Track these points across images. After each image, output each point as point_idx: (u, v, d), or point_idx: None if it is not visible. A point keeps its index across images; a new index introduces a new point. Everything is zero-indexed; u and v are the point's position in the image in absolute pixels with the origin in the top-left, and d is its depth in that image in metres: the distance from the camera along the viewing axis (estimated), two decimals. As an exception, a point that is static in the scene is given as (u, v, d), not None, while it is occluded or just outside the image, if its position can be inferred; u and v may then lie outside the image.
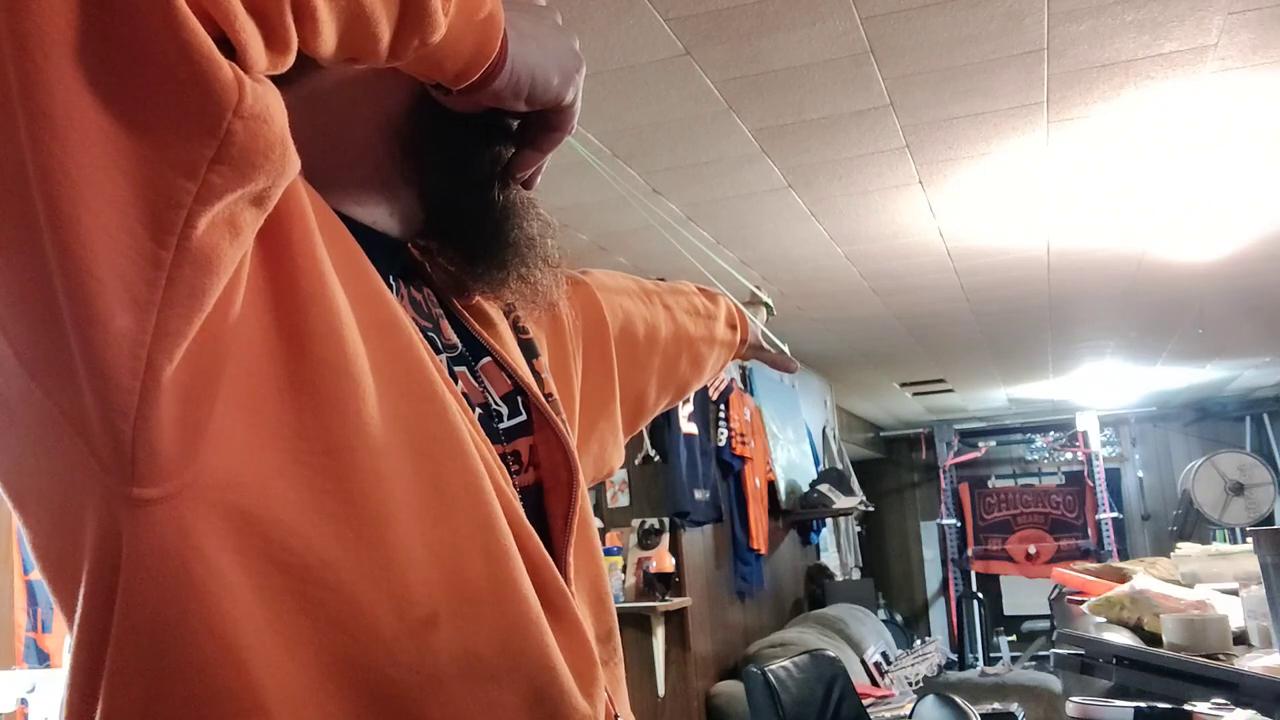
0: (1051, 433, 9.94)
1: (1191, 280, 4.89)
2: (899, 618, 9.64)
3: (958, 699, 3.34)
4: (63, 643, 3.22)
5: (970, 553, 9.63)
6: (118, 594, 0.59)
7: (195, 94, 0.47)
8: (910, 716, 3.58)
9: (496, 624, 0.67)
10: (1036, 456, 10.20)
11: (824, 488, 6.02)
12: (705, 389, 4.39)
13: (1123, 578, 2.78)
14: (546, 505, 0.81)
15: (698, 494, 4.56)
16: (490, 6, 0.64)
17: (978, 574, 9.69)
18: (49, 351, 0.52)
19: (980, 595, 9.54)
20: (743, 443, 5.11)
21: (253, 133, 0.50)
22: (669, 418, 4.40)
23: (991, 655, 9.10)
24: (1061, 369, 7.65)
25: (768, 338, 1.45)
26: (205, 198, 0.49)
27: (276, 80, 0.53)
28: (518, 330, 0.91)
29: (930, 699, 3.42)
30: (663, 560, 4.32)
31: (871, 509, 7.45)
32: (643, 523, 4.48)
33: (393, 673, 0.63)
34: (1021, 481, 10.15)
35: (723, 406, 4.95)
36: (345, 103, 0.74)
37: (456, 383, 0.77)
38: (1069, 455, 9.78)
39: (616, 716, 0.79)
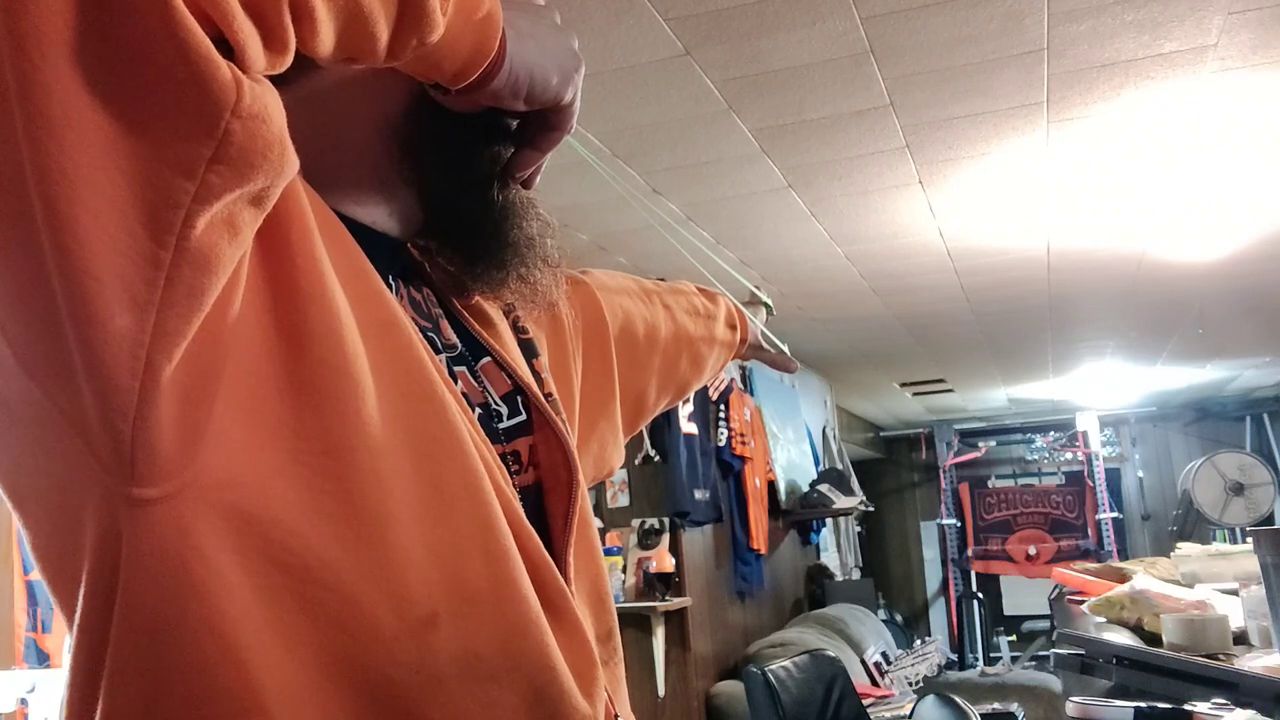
0: (1051, 433, 9.94)
1: (1191, 280, 4.89)
2: (899, 618, 9.64)
3: (958, 699, 3.34)
4: (63, 643, 3.22)
5: (970, 553, 9.62)
6: (117, 594, 0.59)
7: (193, 94, 0.47)
8: (910, 716, 3.58)
9: (496, 624, 0.67)
10: (1036, 456, 10.21)
11: (824, 488, 6.02)
12: (705, 389, 4.39)
13: (1123, 578, 2.78)
14: (546, 505, 0.81)
15: (698, 494, 4.56)
16: (488, 6, 0.64)
17: (978, 574, 9.69)
18: (48, 352, 0.52)
19: (980, 595, 9.54)
20: (743, 443, 5.11)
21: (251, 132, 0.49)
22: (669, 418, 4.40)
23: (991, 655, 9.10)
24: (1061, 369, 7.65)
25: (768, 338, 1.45)
26: (204, 197, 0.49)
27: (275, 80, 0.53)
28: (517, 330, 0.90)
29: (930, 699, 3.43)
30: (663, 560, 4.32)
31: (871, 509, 7.45)
32: (643, 523, 4.49)
33: (392, 673, 0.63)
34: (1021, 481, 10.15)
35: (723, 406, 4.95)
36: (344, 103, 0.74)
37: (456, 383, 0.77)
38: (1069, 455, 9.78)
39: (616, 716, 0.79)
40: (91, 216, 0.48)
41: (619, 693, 0.82)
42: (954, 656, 8.06)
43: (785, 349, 1.47)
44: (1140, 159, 3.28)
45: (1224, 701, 1.52)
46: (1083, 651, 1.91)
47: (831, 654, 4.23)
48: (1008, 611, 10.00)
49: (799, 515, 6.09)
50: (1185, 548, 3.03)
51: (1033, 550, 9.38)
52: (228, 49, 0.48)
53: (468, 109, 0.72)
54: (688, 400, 4.40)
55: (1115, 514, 9.44)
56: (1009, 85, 2.71)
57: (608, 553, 4.30)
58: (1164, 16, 2.39)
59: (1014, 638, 9.37)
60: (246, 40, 0.49)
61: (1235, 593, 2.34)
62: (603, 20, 2.26)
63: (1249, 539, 2.09)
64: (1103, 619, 2.47)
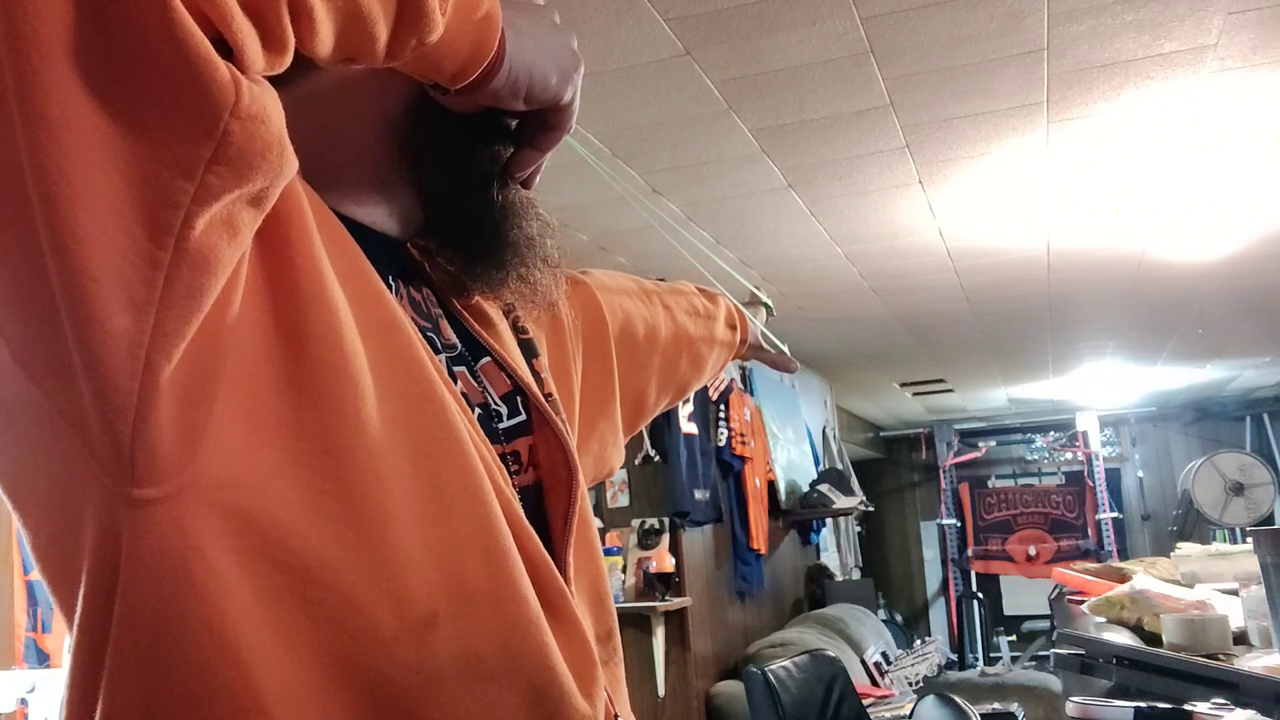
0: (1051, 433, 9.94)
1: (1191, 280, 4.89)
2: (899, 618, 9.64)
3: (958, 699, 3.34)
4: (63, 643, 3.22)
5: (970, 553, 9.62)
6: (117, 594, 0.59)
7: (192, 95, 0.47)
8: (910, 716, 3.58)
9: (496, 624, 0.67)
10: (1036, 456, 10.20)
11: (824, 488, 6.02)
12: (705, 389, 4.39)
13: (1123, 578, 2.78)
14: (546, 505, 0.81)
15: (698, 494, 4.56)
16: (487, 6, 0.64)
17: (978, 574, 9.69)
18: (47, 352, 0.52)
19: (980, 595, 9.54)
20: (743, 443, 5.11)
21: (250, 133, 0.49)
22: (669, 418, 4.40)
23: (991, 655, 9.10)
24: (1061, 369, 7.65)
25: (767, 338, 1.45)
26: (203, 198, 0.49)
27: (274, 81, 0.53)
28: (517, 330, 0.90)
29: (930, 699, 3.43)
30: (663, 560, 4.32)
31: (871, 509, 7.45)
32: (643, 523, 4.49)
33: (392, 673, 0.63)
34: (1021, 481, 10.15)
35: (723, 406, 4.95)
36: (343, 103, 0.74)
37: (456, 383, 0.77)
38: (1069, 455, 9.78)
39: (616, 716, 0.79)
40: (90, 217, 0.48)
41: (619, 693, 0.82)
42: (954, 656, 8.06)
43: (785, 349, 1.47)
44: (1140, 159, 3.28)
45: (1224, 701, 1.52)
46: (1083, 651, 1.91)
47: (831, 654, 4.23)
48: (1008, 611, 10.00)
49: (799, 515, 6.09)
50: (1185, 548, 3.03)
51: (1033, 550, 9.38)
52: (226, 50, 0.48)
53: (467, 109, 0.71)
54: (688, 400, 4.40)
55: (1115, 514, 9.44)
56: (1009, 85, 2.71)
57: (608, 553, 4.30)
58: (1164, 16, 2.39)
59: (1014, 638, 9.37)
60: (245, 41, 0.49)
61: (1235, 593, 2.34)
62: (603, 20, 2.26)
63: (1249, 539, 2.09)
64: (1103, 619, 2.47)
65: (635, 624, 4.31)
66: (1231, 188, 3.60)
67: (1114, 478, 10.02)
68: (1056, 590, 3.32)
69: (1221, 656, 1.98)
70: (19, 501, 0.63)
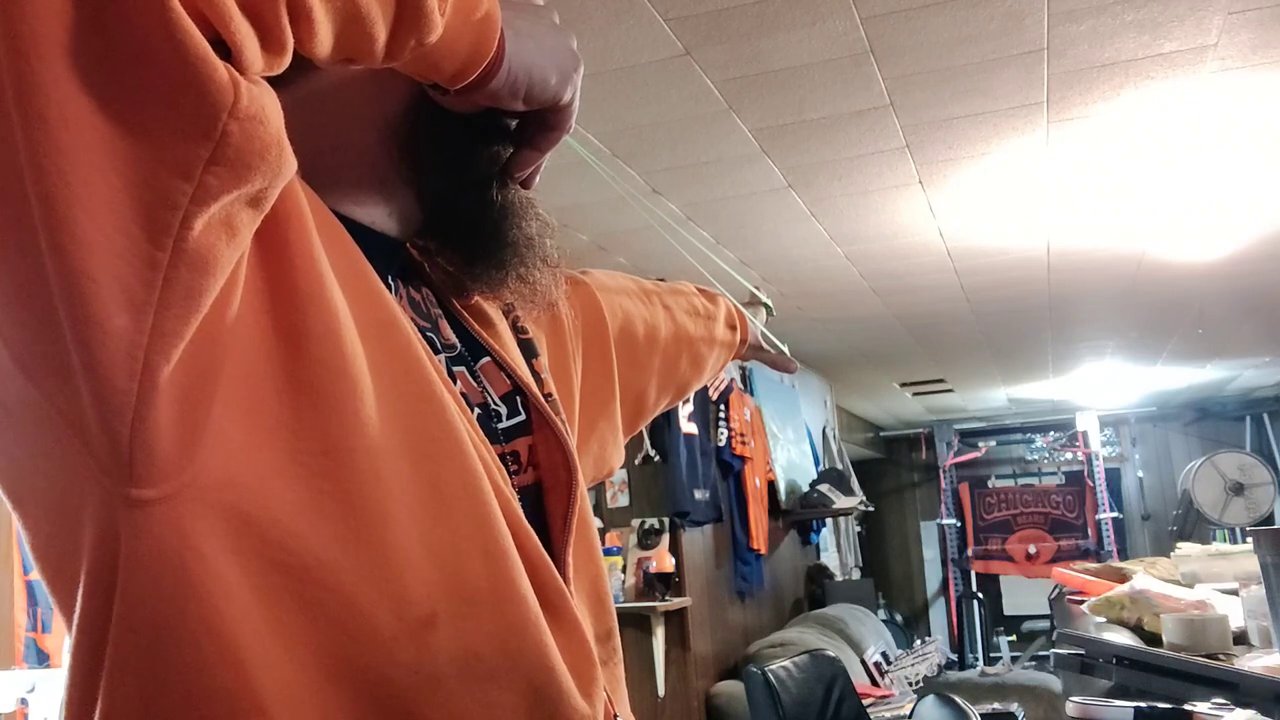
0: (1051, 433, 9.94)
1: (1191, 280, 4.89)
2: (899, 618, 9.64)
3: (958, 699, 3.34)
4: (63, 643, 3.22)
5: (970, 553, 9.63)
6: (116, 594, 0.59)
7: (190, 96, 0.47)
8: (910, 716, 3.58)
9: (495, 624, 0.67)
10: (1036, 456, 10.20)
11: (824, 488, 6.02)
12: (705, 389, 4.39)
13: (1123, 578, 2.78)
14: (546, 505, 0.81)
15: (698, 494, 4.56)
16: (487, 6, 0.63)
17: (978, 574, 9.69)
18: (46, 353, 0.52)
19: (980, 595, 9.54)
20: (743, 443, 5.11)
21: (248, 134, 0.49)
22: (669, 418, 4.40)
23: (991, 655, 9.10)
24: (1061, 369, 7.65)
25: (767, 338, 1.45)
26: (201, 199, 0.49)
27: (273, 82, 0.53)
28: (517, 330, 0.90)
29: (930, 699, 3.43)
30: (663, 560, 4.32)
31: (871, 509, 7.45)
32: (643, 523, 4.49)
33: (391, 673, 0.63)
34: (1021, 481, 10.15)
35: (723, 406, 4.95)
36: (342, 103, 0.74)
37: (455, 383, 0.77)
38: (1069, 455, 9.78)
39: (616, 716, 0.79)
40: (89, 218, 0.48)
41: (618, 693, 0.82)
42: (954, 656, 8.06)
43: (785, 349, 1.47)
44: (1140, 159, 3.28)
45: (1224, 701, 1.52)
46: (1083, 651, 1.91)
47: (831, 654, 4.23)
48: (1008, 611, 10.00)
49: (799, 515, 6.09)
50: (1185, 548, 3.03)
51: (1033, 550, 9.38)
52: (225, 50, 0.48)
53: (467, 109, 0.71)
54: (688, 400, 4.40)
55: (1115, 514, 9.44)
56: (1009, 85, 2.71)
57: (608, 553, 4.30)
58: (1164, 16, 2.39)
59: (1014, 638, 9.37)
60: (244, 41, 0.49)
61: (1235, 593, 2.34)
62: (603, 20, 2.26)
63: (1249, 539, 2.09)
64: (1103, 619, 2.47)
65: (635, 624, 4.31)
66: (1231, 188, 3.60)
67: (1114, 478, 10.02)
68: (1056, 590, 3.32)
69: (1221, 656, 1.98)
70: (18, 502, 0.63)
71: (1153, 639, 2.25)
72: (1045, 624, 8.38)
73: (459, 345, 0.82)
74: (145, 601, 0.58)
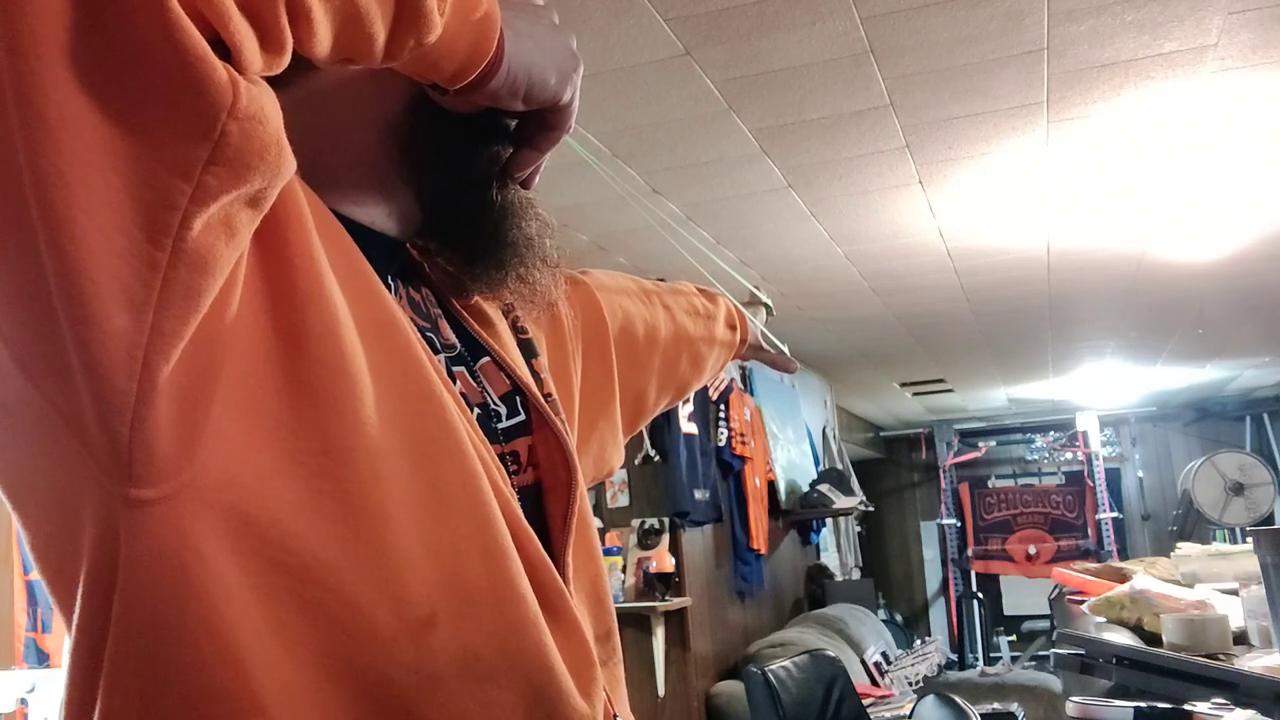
0: (1051, 433, 9.94)
1: (1191, 280, 4.89)
2: (899, 618, 9.64)
3: (958, 699, 3.34)
4: (62, 643, 3.22)
5: (970, 553, 9.62)
6: (116, 594, 0.59)
7: (189, 96, 0.47)
8: (910, 716, 3.58)
9: (495, 624, 0.67)
10: (1036, 456, 10.20)
11: (824, 488, 6.02)
12: (705, 389, 4.39)
13: (1123, 578, 2.78)
14: (545, 505, 0.81)
15: (698, 494, 4.56)
16: (486, 6, 0.63)
17: (978, 574, 9.69)
18: (45, 353, 0.52)
19: (980, 595, 9.54)
20: (743, 443, 5.11)
21: (247, 134, 0.49)
22: (669, 418, 4.40)
23: (991, 655, 9.10)
24: (1061, 369, 7.65)
25: (767, 338, 1.45)
26: (200, 199, 0.49)
27: (273, 82, 0.52)
28: (517, 330, 0.90)
29: (930, 699, 3.42)
30: (663, 560, 4.32)
31: (871, 509, 7.45)
32: (643, 523, 4.49)
33: (391, 673, 0.63)
34: (1021, 481, 10.15)
35: (723, 406, 4.95)
36: (342, 103, 0.74)
37: (455, 383, 0.77)
38: (1069, 455, 9.78)
39: (615, 716, 0.79)
40: (88, 218, 0.48)
41: (618, 693, 0.82)
42: (954, 656, 8.06)
43: (785, 349, 1.47)
44: (1140, 159, 3.28)
45: (1224, 701, 1.52)
46: (1083, 651, 1.91)
47: (831, 654, 4.23)
48: (1008, 611, 10.00)
49: (799, 515, 6.09)
50: (1185, 548, 3.03)
51: (1033, 550, 9.38)
52: (224, 50, 0.48)
53: (466, 109, 0.71)
54: (688, 400, 4.40)
55: (1115, 514, 9.44)
56: (1009, 85, 2.71)
57: (608, 553, 4.30)
58: (1164, 16, 2.39)
59: (1014, 638, 9.37)
60: (243, 41, 0.49)
61: (1235, 593, 2.34)
62: (603, 20, 2.26)
63: (1249, 539, 2.09)
64: (1103, 619, 2.47)
65: (635, 624, 4.31)
66: (1231, 188, 3.60)
67: (1114, 478, 10.02)
68: (1056, 590, 3.32)
69: (1221, 656, 1.98)
70: (18, 502, 0.63)
71: (1153, 639, 2.25)
72: (1045, 624, 8.38)
73: (458, 345, 0.82)
74: (145, 601, 0.58)
